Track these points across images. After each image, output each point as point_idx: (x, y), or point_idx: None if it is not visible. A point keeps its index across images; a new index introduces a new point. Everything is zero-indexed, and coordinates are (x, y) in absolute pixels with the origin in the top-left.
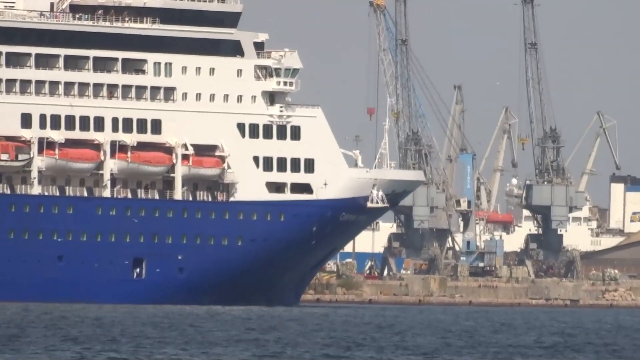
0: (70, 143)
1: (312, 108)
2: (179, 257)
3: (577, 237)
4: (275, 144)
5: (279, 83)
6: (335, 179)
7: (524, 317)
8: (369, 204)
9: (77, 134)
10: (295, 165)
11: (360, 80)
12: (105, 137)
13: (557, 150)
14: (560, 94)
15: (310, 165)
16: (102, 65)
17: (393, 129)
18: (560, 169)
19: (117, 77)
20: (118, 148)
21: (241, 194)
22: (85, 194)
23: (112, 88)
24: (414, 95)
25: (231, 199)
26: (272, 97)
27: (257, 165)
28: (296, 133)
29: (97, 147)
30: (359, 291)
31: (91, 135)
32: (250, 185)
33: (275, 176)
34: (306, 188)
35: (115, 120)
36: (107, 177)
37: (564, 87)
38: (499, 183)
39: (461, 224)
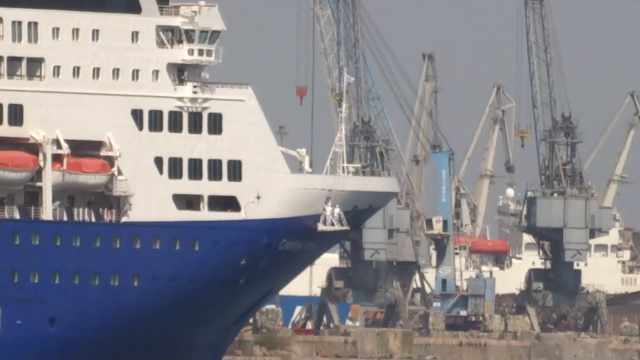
0: None
1: (238, 88)
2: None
3: (602, 273)
4: (187, 140)
5: (191, 52)
6: (272, 190)
7: None
8: (321, 226)
9: None
10: (215, 170)
11: (288, 47)
12: None
13: (573, 147)
14: (577, 66)
15: (236, 170)
16: None
17: (334, 117)
18: (577, 175)
19: None
20: None
21: (138, 212)
22: None
23: None
24: (365, 69)
25: (124, 219)
26: (181, 72)
27: (161, 171)
28: (216, 124)
29: None
30: (285, 351)
31: None
32: (150, 199)
33: (186, 186)
34: (231, 203)
35: None
36: None
37: (581, 57)
38: (488, 195)
39: (434, 254)
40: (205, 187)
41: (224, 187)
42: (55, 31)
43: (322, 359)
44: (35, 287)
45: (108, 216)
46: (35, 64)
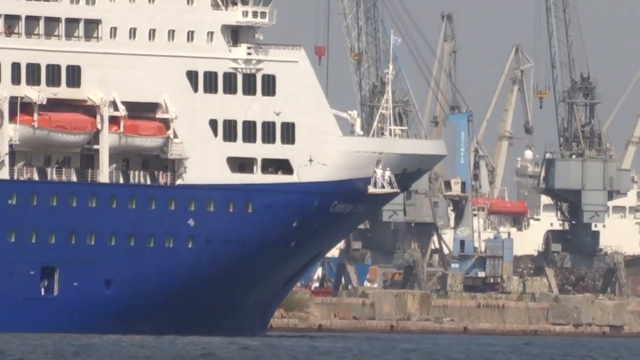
0: None
1: (292, 50)
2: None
3: (621, 235)
4: (241, 102)
5: (246, 14)
6: (324, 152)
7: (545, 352)
8: (371, 189)
9: None
10: (269, 132)
11: (306, 7)
12: (1, 92)
13: (592, 108)
14: (596, 26)
15: (289, 133)
16: None
17: (353, 77)
18: (596, 137)
19: (18, 5)
20: (20, 107)
21: (192, 175)
22: None
23: (10, 20)
24: (383, 29)
25: (178, 181)
26: (236, 35)
27: (215, 133)
28: (270, 85)
29: None
30: (303, 313)
31: None
32: (205, 162)
33: (240, 149)
34: (283, 166)
35: (15, 67)
36: (4, 149)
37: (600, 17)
38: (506, 157)
39: (452, 216)
40: (259, 150)
41: (277, 150)
42: None
43: (340, 321)
44: (91, 249)
45: (163, 179)
46: (92, 25)
